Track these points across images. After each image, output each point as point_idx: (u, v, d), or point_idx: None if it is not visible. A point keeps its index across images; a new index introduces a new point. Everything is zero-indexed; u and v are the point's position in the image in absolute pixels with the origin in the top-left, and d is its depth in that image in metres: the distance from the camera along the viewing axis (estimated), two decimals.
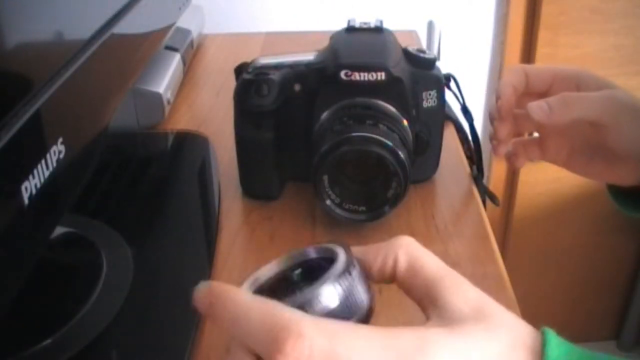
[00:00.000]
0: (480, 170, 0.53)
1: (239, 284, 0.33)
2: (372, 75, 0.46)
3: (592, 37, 1.53)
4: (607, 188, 0.54)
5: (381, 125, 0.45)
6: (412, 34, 0.97)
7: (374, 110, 0.46)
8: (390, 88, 0.47)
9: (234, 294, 0.30)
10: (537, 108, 0.47)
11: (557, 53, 1.52)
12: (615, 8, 1.51)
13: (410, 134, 0.48)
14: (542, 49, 1.50)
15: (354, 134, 0.44)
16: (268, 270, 0.33)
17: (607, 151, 0.49)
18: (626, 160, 0.49)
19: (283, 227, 0.50)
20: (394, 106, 0.47)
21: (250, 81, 0.49)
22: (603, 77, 0.51)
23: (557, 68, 0.50)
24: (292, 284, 0.32)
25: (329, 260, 0.31)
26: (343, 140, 0.44)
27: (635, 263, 1.50)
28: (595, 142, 0.49)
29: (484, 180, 0.53)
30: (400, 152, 0.44)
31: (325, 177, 0.45)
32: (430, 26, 1.21)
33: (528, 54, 1.53)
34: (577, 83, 0.49)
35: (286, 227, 0.50)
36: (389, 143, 0.44)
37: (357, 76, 0.46)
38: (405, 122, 0.47)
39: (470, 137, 0.55)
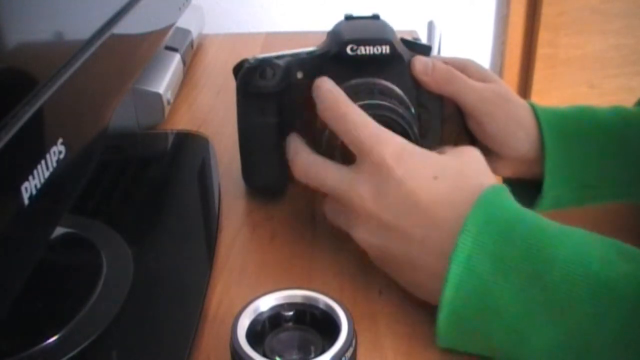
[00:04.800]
0: None
1: (239, 312, 0.35)
2: (377, 49, 0.47)
3: (592, 37, 1.53)
4: (502, 180, 0.58)
5: (389, 99, 0.45)
6: (412, 33, 0.97)
7: (381, 88, 0.47)
8: (394, 65, 0.47)
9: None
10: (420, 63, 0.49)
11: (558, 53, 1.52)
12: (616, 8, 1.51)
13: (413, 113, 0.48)
14: (542, 49, 1.50)
15: (360, 103, 0.44)
16: (267, 303, 0.35)
17: (485, 145, 0.52)
18: (500, 155, 0.52)
19: (283, 227, 0.50)
20: (397, 86, 0.47)
21: (255, 67, 0.49)
22: (487, 69, 0.54)
23: (447, 58, 0.52)
24: (283, 324, 0.35)
25: (326, 315, 0.35)
26: None
27: None
28: (476, 135, 0.52)
29: None
30: (411, 121, 0.45)
31: (338, 153, 0.45)
32: (431, 26, 1.21)
33: (528, 54, 1.53)
34: (462, 71, 0.51)
35: (286, 227, 0.50)
36: (400, 110, 0.45)
37: (362, 50, 0.47)
38: (408, 102, 0.47)
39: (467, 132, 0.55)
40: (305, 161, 0.44)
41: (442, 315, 0.36)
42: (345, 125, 0.42)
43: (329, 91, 0.44)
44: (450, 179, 0.39)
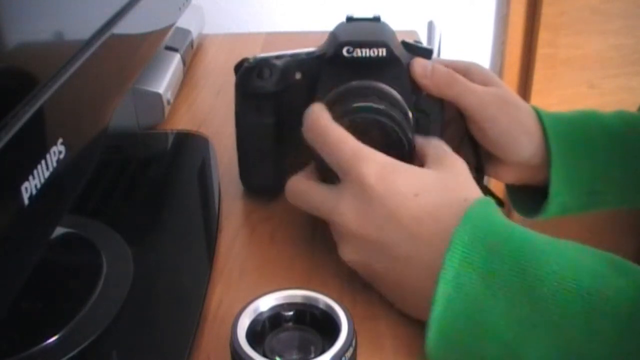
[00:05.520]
0: (481, 170, 0.53)
1: (239, 312, 0.35)
2: (374, 52, 0.46)
3: (592, 37, 1.53)
4: (506, 187, 0.57)
5: (385, 102, 0.45)
6: (412, 34, 0.97)
7: (377, 90, 0.46)
8: (391, 69, 0.47)
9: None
10: (419, 66, 0.48)
11: (557, 53, 1.52)
12: (615, 8, 1.51)
13: (410, 118, 0.48)
14: (542, 50, 1.50)
15: (354, 105, 0.44)
16: (267, 303, 0.35)
17: (488, 150, 0.51)
18: (503, 161, 0.51)
19: (283, 227, 0.50)
20: (394, 89, 0.47)
21: (253, 67, 0.49)
22: (491, 73, 0.53)
23: (450, 61, 0.52)
24: (283, 324, 0.35)
25: (326, 315, 0.34)
26: (345, 112, 0.44)
27: (636, 263, 1.50)
28: (478, 139, 0.51)
29: (485, 181, 0.53)
30: (405, 126, 0.44)
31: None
32: (431, 26, 1.21)
33: (528, 55, 1.53)
34: (465, 74, 0.50)
35: (286, 227, 0.50)
36: (393, 114, 0.44)
37: (359, 52, 0.46)
38: (405, 106, 0.47)
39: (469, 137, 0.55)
40: (294, 183, 0.45)
41: (432, 335, 0.35)
42: (325, 145, 0.42)
43: (312, 112, 0.44)
44: (432, 195, 0.39)
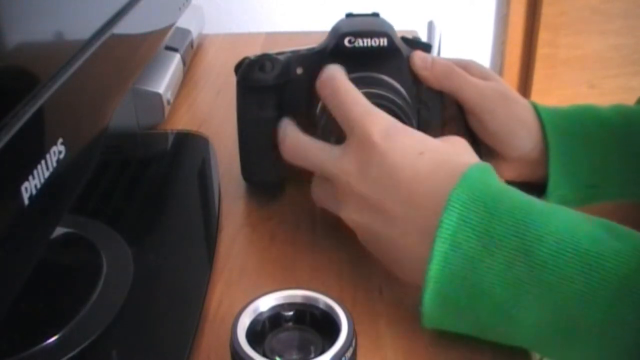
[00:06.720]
0: None
1: (239, 312, 0.35)
2: (375, 41, 0.47)
3: (592, 37, 1.53)
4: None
5: (389, 91, 0.46)
6: (412, 33, 0.97)
7: (379, 80, 0.47)
8: (392, 60, 0.47)
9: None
10: (419, 58, 0.49)
11: (557, 53, 1.52)
12: (615, 8, 1.51)
13: (412, 108, 0.48)
14: (542, 49, 1.50)
15: (360, 91, 0.44)
16: (267, 303, 0.35)
17: (487, 145, 0.52)
18: (503, 156, 0.52)
19: (283, 227, 0.50)
20: (396, 81, 0.47)
21: (254, 61, 0.50)
22: (490, 69, 0.53)
23: (450, 59, 0.52)
24: (283, 324, 0.35)
25: (326, 315, 0.34)
26: None
27: None
28: (478, 134, 0.52)
29: None
30: (410, 115, 0.45)
31: (333, 142, 0.45)
32: (431, 26, 1.21)
33: (528, 54, 1.53)
34: (464, 70, 0.51)
35: (286, 227, 0.50)
36: (398, 101, 0.45)
37: (360, 42, 0.47)
38: (407, 97, 0.47)
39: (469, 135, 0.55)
40: (293, 140, 0.45)
41: (428, 293, 0.35)
42: (337, 100, 0.42)
43: (328, 68, 0.45)
44: (435, 156, 0.39)
